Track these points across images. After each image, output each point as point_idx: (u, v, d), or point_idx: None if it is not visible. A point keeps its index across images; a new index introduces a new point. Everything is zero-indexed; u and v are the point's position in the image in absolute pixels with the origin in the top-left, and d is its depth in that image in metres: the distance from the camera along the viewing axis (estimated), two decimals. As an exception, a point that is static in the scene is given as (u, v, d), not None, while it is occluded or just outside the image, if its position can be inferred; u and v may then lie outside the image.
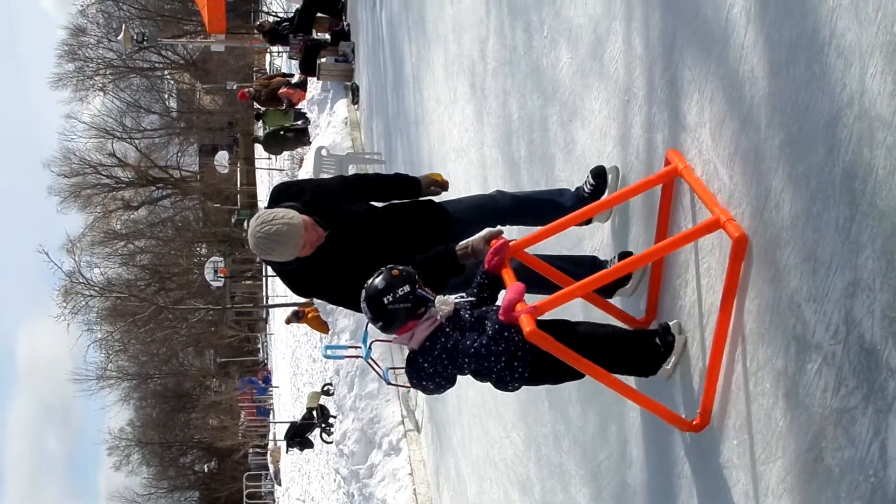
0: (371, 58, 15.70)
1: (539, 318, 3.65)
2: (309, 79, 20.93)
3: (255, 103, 23.58)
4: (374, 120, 15.37)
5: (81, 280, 39.90)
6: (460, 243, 4.30)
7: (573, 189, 4.98)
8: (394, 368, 12.93)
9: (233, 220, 52.77)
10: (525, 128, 6.56)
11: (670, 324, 4.16)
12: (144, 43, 38.52)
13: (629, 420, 4.92)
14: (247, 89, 23.55)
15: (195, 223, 54.38)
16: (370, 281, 3.93)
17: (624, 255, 4.74)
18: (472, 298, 4.04)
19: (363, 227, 4.73)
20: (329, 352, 15.40)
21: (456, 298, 4.03)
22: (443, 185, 5.06)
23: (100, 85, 51.02)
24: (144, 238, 51.85)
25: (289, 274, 4.73)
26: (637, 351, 4.10)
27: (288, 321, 21.19)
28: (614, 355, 3.97)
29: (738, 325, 3.64)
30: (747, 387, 3.58)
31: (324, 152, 14.72)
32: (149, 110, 53.28)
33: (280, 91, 21.26)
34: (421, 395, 12.30)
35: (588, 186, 4.85)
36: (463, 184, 8.07)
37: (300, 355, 28.79)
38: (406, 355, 4.03)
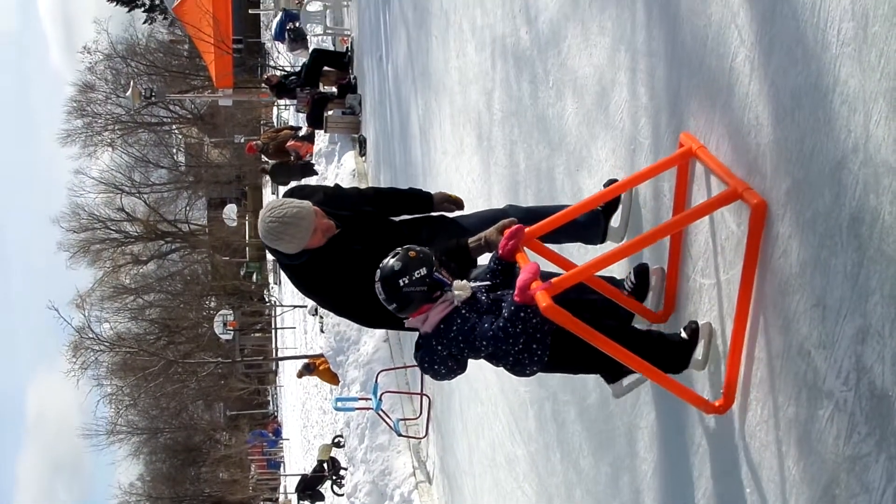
0: (378, 110, 15.80)
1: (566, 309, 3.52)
2: (316, 131, 21.05)
3: (262, 156, 23.70)
4: (382, 171, 15.43)
5: (91, 335, 39.77)
6: (473, 237, 4.22)
7: None
8: (404, 419, 12.90)
9: (241, 273, 52.87)
10: (532, 177, 6.59)
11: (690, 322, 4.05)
12: (152, 98, 38.78)
13: (641, 471, 4.89)
14: (254, 142, 23.70)
15: (204, 276, 54.37)
16: (385, 261, 3.82)
17: (610, 182, 4.72)
18: (487, 283, 3.92)
19: (376, 228, 4.70)
20: (339, 404, 15.39)
21: (474, 283, 3.91)
22: (456, 202, 5.06)
23: (108, 140, 51.28)
24: (153, 292, 51.87)
25: (296, 270, 4.64)
26: (664, 346, 3.93)
27: (300, 374, 21.19)
28: (642, 348, 3.74)
29: (748, 371, 3.63)
30: (759, 435, 3.56)
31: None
32: (157, 165, 53.51)
33: (288, 144, 21.40)
34: (432, 445, 12.24)
35: None
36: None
37: (310, 407, 28.72)
38: (416, 340, 3.93)
